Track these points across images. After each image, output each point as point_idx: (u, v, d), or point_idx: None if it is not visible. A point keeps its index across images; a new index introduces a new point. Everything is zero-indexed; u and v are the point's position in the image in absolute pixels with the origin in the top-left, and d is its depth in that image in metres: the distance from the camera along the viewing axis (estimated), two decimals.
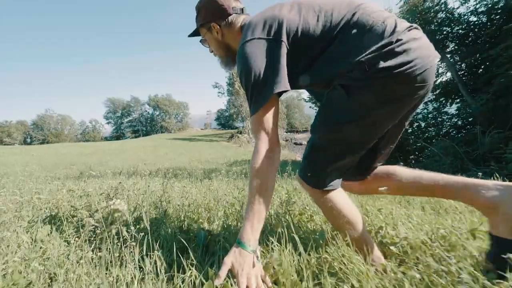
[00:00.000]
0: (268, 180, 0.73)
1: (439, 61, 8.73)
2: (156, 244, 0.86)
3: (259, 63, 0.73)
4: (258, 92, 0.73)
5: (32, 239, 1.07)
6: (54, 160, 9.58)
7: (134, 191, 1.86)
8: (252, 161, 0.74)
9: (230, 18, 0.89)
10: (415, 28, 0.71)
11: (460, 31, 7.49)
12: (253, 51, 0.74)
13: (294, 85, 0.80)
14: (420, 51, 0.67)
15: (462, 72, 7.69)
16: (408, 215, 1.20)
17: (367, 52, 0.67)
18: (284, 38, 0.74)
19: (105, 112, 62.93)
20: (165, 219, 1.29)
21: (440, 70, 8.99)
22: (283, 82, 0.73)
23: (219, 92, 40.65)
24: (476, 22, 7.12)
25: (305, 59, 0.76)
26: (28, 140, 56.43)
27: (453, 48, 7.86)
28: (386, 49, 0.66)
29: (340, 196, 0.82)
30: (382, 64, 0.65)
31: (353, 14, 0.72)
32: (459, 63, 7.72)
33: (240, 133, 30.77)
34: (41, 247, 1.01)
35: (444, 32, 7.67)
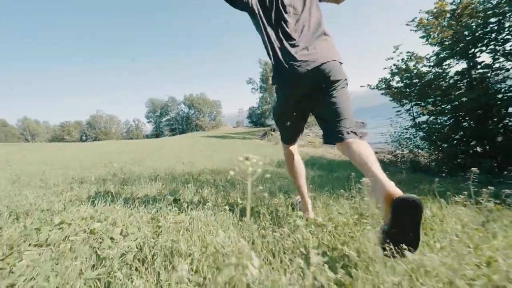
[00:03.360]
0: None
1: None
2: None
3: None
4: None
5: None
6: (94, 158, 9.56)
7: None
8: None
9: None
10: (308, 46, 1.14)
11: None
12: None
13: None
14: (305, 57, 1.10)
15: None
16: None
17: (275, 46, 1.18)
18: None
19: (146, 112, 67.60)
20: None
21: None
22: None
23: (252, 88, 39.89)
24: None
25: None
26: (84, 138, 63.64)
27: None
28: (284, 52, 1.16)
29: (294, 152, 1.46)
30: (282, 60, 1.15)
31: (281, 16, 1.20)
32: None
33: (273, 130, 29.41)
34: None
35: None
